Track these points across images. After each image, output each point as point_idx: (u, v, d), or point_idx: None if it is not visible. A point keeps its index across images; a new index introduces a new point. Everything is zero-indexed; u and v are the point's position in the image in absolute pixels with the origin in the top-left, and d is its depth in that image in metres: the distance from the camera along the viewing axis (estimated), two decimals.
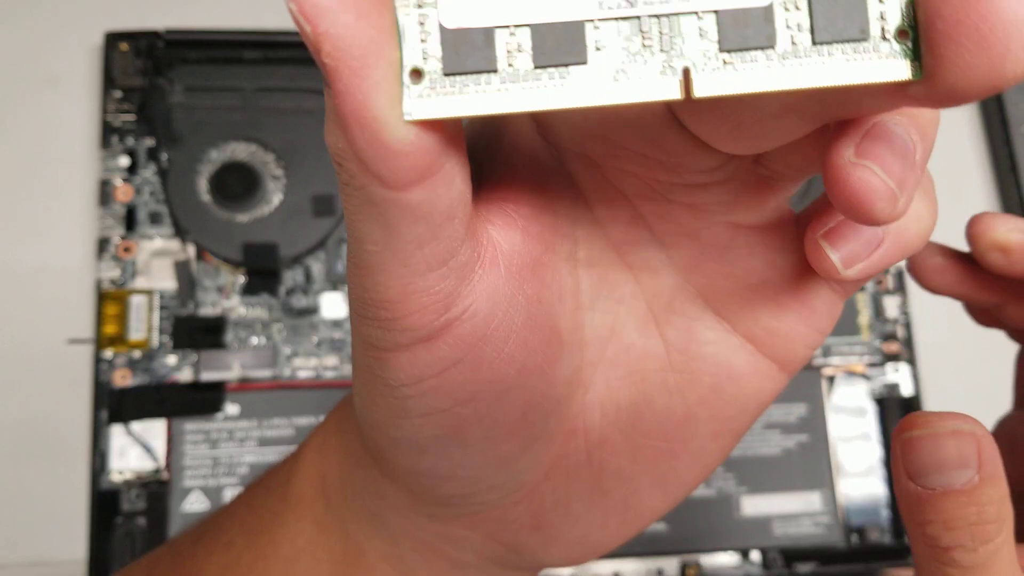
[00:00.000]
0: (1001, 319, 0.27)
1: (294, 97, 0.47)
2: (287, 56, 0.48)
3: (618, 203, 0.19)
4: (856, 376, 0.48)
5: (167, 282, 0.45)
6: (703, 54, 0.13)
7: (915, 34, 0.13)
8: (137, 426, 0.43)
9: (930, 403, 0.48)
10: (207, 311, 0.45)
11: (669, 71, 0.13)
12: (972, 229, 0.27)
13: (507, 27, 0.13)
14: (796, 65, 0.13)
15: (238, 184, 0.46)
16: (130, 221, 0.46)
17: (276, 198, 0.46)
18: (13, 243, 0.46)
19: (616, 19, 0.13)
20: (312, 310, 0.46)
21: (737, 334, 0.20)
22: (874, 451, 0.47)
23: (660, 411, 0.20)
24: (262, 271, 0.46)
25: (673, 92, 0.13)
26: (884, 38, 0.13)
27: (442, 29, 0.13)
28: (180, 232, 0.46)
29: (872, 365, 0.48)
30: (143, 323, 0.44)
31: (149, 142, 0.46)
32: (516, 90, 0.13)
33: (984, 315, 0.27)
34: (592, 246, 0.19)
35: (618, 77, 0.13)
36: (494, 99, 0.13)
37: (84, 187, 0.47)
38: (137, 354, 0.44)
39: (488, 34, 0.13)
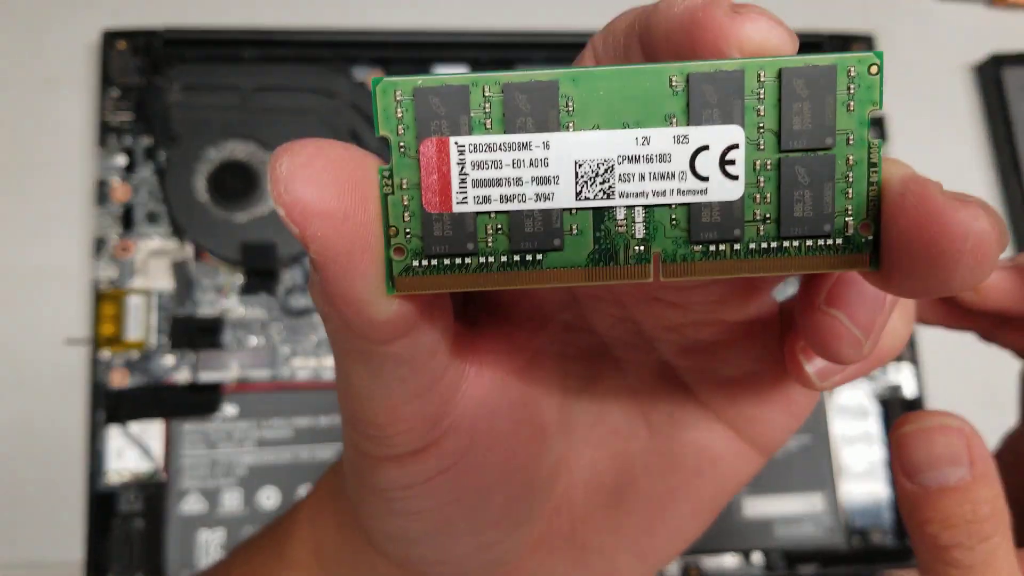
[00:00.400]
0: (997, 340, 0.28)
1: (293, 96, 0.47)
2: (286, 55, 0.48)
3: (604, 299, 0.19)
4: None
5: (165, 282, 0.45)
6: (673, 242, 0.14)
7: (877, 227, 0.14)
8: (134, 427, 0.43)
9: (933, 404, 0.48)
10: (205, 311, 0.45)
11: (641, 257, 0.14)
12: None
13: (487, 212, 0.14)
14: (762, 254, 0.14)
15: (236, 183, 0.46)
16: (127, 220, 0.45)
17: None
18: (10, 243, 0.46)
19: (593, 208, 0.14)
20: (311, 310, 0.46)
21: (719, 421, 0.20)
22: (876, 452, 0.47)
23: (643, 491, 0.21)
24: (260, 271, 0.45)
25: (644, 276, 0.14)
26: (847, 232, 0.14)
27: (423, 212, 0.14)
28: (178, 232, 0.45)
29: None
30: (140, 323, 0.44)
31: (147, 141, 0.46)
32: (494, 269, 0.14)
33: (986, 334, 0.28)
34: (581, 342, 0.20)
35: (592, 260, 0.14)
36: (472, 279, 0.14)
37: (81, 186, 0.47)
38: (135, 354, 0.44)
39: (468, 218, 0.14)
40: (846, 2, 0.55)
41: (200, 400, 0.44)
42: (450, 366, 0.17)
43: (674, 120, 0.14)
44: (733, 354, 0.19)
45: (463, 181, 0.14)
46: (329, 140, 0.14)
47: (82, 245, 0.46)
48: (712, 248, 0.14)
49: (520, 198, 0.14)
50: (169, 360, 0.44)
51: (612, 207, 0.14)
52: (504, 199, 0.14)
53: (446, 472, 0.18)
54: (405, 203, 0.14)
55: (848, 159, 0.14)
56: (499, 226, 0.14)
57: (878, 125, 0.51)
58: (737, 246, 0.14)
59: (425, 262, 0.14)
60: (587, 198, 0.14)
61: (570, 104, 0.14)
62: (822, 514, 0.46)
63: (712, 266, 0.14)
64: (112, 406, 0.43)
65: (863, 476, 0.47)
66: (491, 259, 0.14)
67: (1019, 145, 0.52)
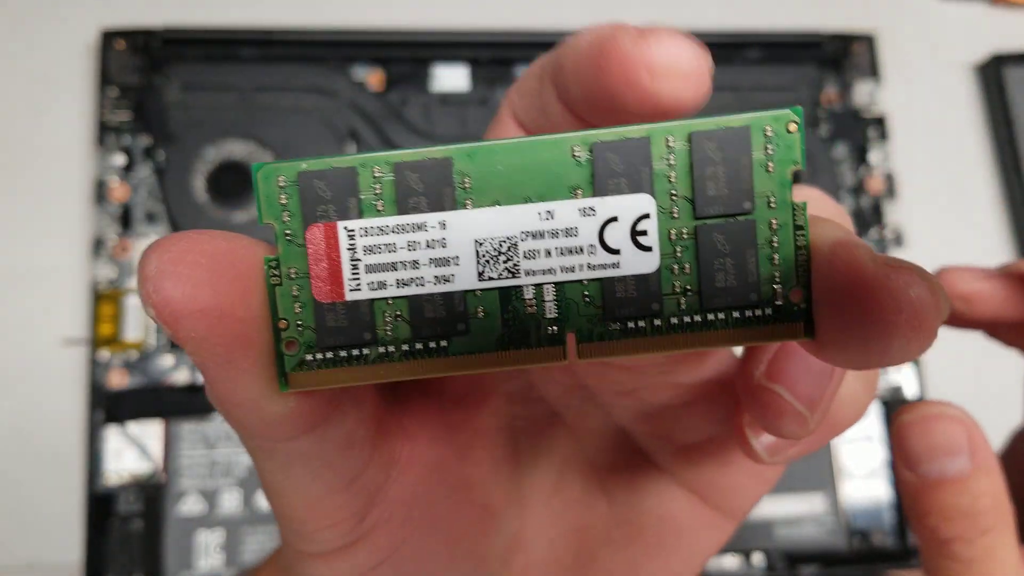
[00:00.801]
0: (1003, 339, 0.27)
1: (292, 95, 0.47)
2: (285, 54, 0.47)
3: (554, 369, 0.18)
4: None
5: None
6: (588, 320, 0.13)
7: (809, 293, 0.13)
8: (133, 427, 0.43)
9: None
10: None
11: (554, 338, 0.13)
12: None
13: (384, 299, 0.13)
14: (685, 328, 0.13)
15: (235, 183, 0.46)
16: (126, 220, 0.45)
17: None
18: (8, 242, 0.46)
19: (498, 288, 0.13)
20: None
21: (682, 488, 0.19)
22: (877, 453, 0.47)
23: (604, 566, 0.20)
24: None
25: (559, 358, 0.13)
26: (776, 300, 0.13)
27: (315, 302, 0.13)
28: (177, 231, 0.45)
29: None
30: (139, 323, 0.44)
31: (145, 141, 0.46)
32: (397, 358, 0.13)
33: (991, 332, 0.28)
34: (529, 409, 0.19)
35: (501, 343, 0.13)
36: (373, 370, 0.13)
37: (79, 186, 0.47)
38: (133, 355, 0.44)
39: (364, 306, 0.13)
40: (848, 1, 0.55)
41: (199, 401, 0.43)
42: (375, 455, 0.16)
43: (579, 192, 0.13)
44: (692, 418, 0.18)
45: (355, 267, 0.13)
46: (208, 232, 0.13)
47: (80, 245, 0.46)
48: (631, 324, 0.13)
49: (418, 282, 0.13)
50: (168, 360, 0.44)
51: (519, 286, 0.13)
52: (401, 283, 0.13)
53: (381, 565, 0.17)
54: (295, 293, 0.13)
55: (771, 223, 0.13)
56: (399, 312, 0.13)
57: (879, 125, 0.51)
58: (657, 321, 0.13)
59: (320, 355, 0.13)
60: (491, 278, 0.13)
61: (467, 181, 0.13)
62: (823, 515, 0.45)
63: (632, 344, 0.13)
64: (111, 406, 0.43)
65: (864, 477, 0.46)
66: (392, 348, 0.13)
67: (1020, 145, 0.52)
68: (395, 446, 0.16)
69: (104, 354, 0.44)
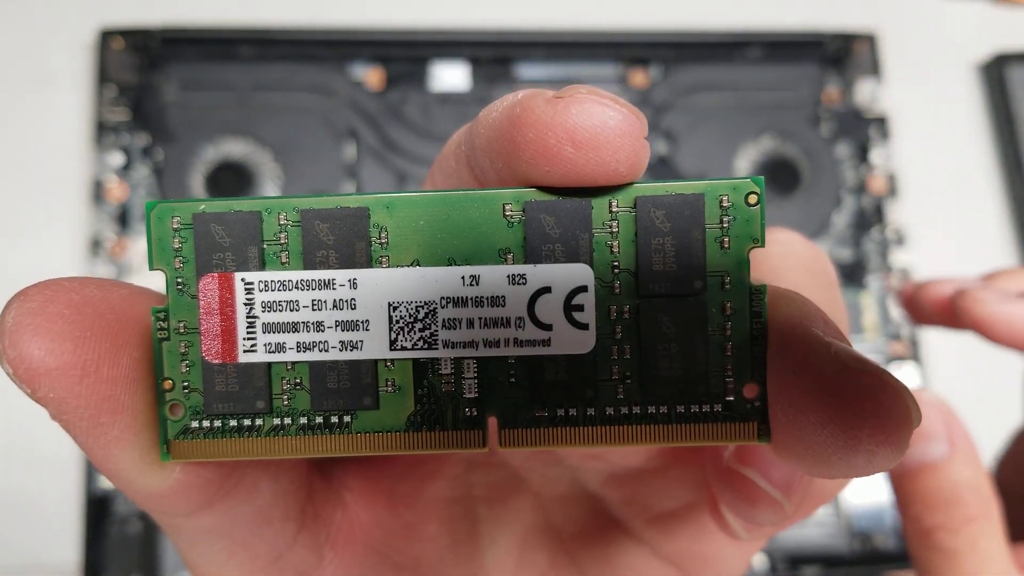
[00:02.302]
0: None
1: (290, 94, 0.47)
2: (283, 53, 0.47)
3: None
4: None
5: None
6: (513, 404, 0.12)
7: (764, 389, 0.11)
8: None
9: None
10: None
11: (473, 421, 0.12)
12: (918, 297, 0.26)
13: (284, 363, 0.12)
14: (623, 421, 0.12)
15: (233, 182, 0.45)
16: (124, 220, 0.45)
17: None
18: (5, 242, 0.46)
19: (412, 360, 0.12)
20: None
21: (660, 560, 0.17)
22: None
23: None
24: None
25: (477, 444, 0.12)
26: (727, 396, 0.11)
27: (203, 362, 0.11)
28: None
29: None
30: None
31: (143, 140, 0.46)
32: (293, 432, 0.12)
33: None
34: (489, 477, 0.17)
35: (413, 423, 0.12)
36: (267, 443, 0.12)
37: (77, 185, 0.46)
38: None
39: (259, 370, 0.12)
40: (850, 0, 0.54)
41: None
42: (303, 534, 0.14)
43: (510, 256, 0.12)
44: (666, 483, 0.17)
45: (251, 325, 0.11)
46: (81, 279, 0.11)
47: (78, 245, 0.46)
48: (560, 412, 0.12)
49: (321, 346, 0.12)
50: None
51: (436, 359, 0.12)
52: (302, 347, 0.12)
53: None
54: (183, 351, 0.12)
55: (725, 307, 0.12)
56: (298, 380, 0.12)
57: (880, 125, 0.50)
58: (591, 410, 0.12)
59: (207, 423, 0.12)
60: (404, 348, 0.11)
61: (384, 235, 0.11)
62: (825, 517, 0.45)
63: (562, 433, 0.12)
64: None
65: (865, 479, 0.46)
66: (288, 420, 0.12)
67: (1023, 144, 0.51)
68: (330, 523, 0.15)
69: None
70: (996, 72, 0.53)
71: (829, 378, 0.10)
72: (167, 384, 0.12)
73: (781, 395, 0.11)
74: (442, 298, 0.12)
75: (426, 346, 0.12)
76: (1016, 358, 0.28)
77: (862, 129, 0.50)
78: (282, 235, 0.12)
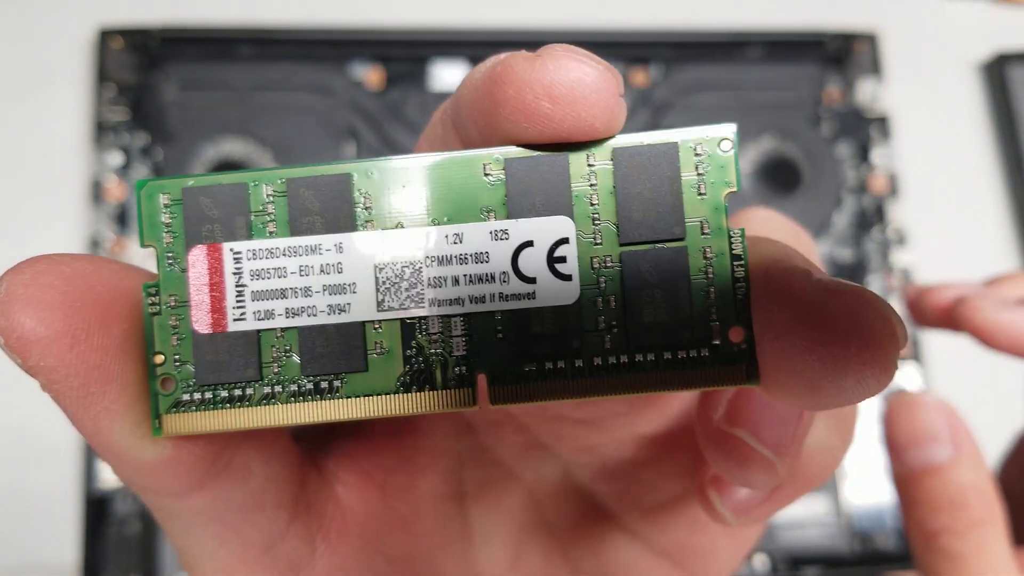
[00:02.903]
0: None
1: (290, 94, 0.47)
2: (283, 52, 0.47)
3: (505, 424, 0.17)
4: None
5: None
6: (501, 359, 0.12)
7: (751, 331, 0.11)
8: None
9: None
10: None
11: (463, 379, 0.12)
12: (920, 301, 0.25)
13: (273, 330, 0.12)
14: (611, 371, 0.12)
15: None
16: (123, 220, 0.45)
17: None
18: (4, 242, 0.46)
19: (400, 320, 0.12)
20: None
21: (654, 554, 0.17)
22: (880, 455, 0.47)
23: None
24: None
25: (468, 403, 0.12)
26: (713, 340, 0.11)
27: (194, 334, 0.12)
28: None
29: None
30: None
31: (143, 139, 0.46)
32: (284, 399, 0.12)
33: None
34: (481, 473, 0.17)
35: (403, 385, 0.12)
36: (258, 412, 0.12)
37: (76, 185, 0.46)
38: None
39: (249, 338, 0.12)
40: (851, 0, 0.54)
41: None
42: (296, 523, 0.14)
43: (492, 214, 0.12)
44: (658, 474, 0.17)
45: (240, 294, 0.12)
46: (72, 254, 0.11)
47: (77, 245, 0.45)
48: (549, 365, 0.12)
49: (310, 311, 0.12)
50: None
51: (423, 318, 0.12)
52: (291, 313, 0.12)
53: None
54: (174, 324, 0.12)
55: (705, 251, 0.12)
56: (288, 347, 0.12)
57: (881, 124, 0.50)
58: (579, 362, 0.12)
59: (198, 394, 0.12)
60: (391, 308, 0.12)
61: (368, 200, 0.12)
62: (825, 517, 0.45)
63: (551, 387, 0.12)
64: None
65: (866, 479, 0.46)
66: (279, 388, 0.12)
67: None
68: (322, 514, 0.15)
69: None
70: (997, 72, 0.53)
71: (812, 304, 0.10)
72: (158, 359, 0.12)
73: (767, 329, 0.11)
74: (427, 257, 0.12)
75: (413, 305, 0.12)
76: (1018, 361, 0.28)
77: (863, 129, 0.50)
78: (269, 205, 0.12)
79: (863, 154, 0.50)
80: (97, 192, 0.45)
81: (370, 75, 0.48)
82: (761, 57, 0.50)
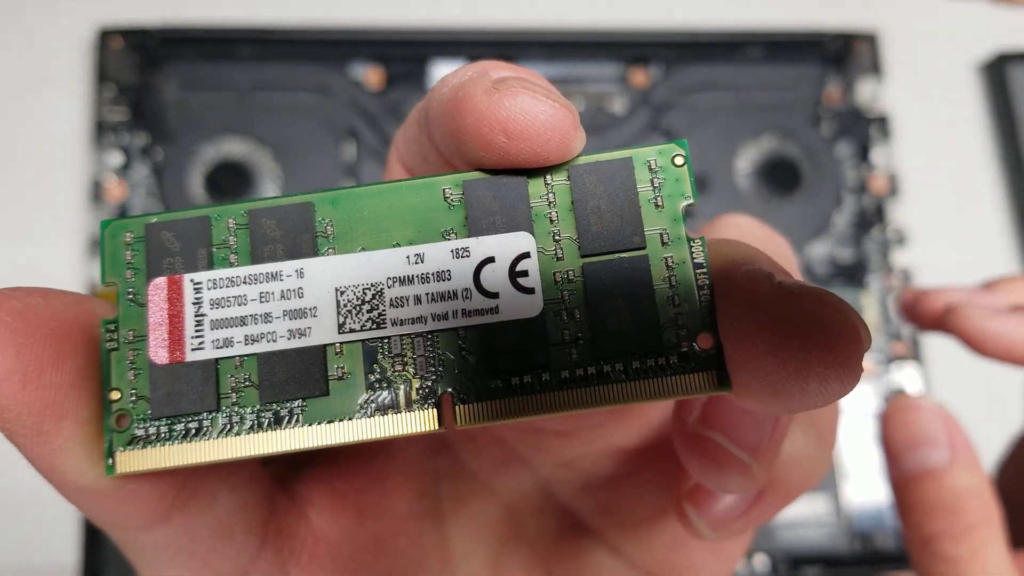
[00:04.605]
0: None
1: (290, 94, 0.46)
2: (283, 52, 0.47)
3: (482, 438, 0.17)
4: (862, 377, 0.47)
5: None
6: (466, 377, 0.11)
7: (718, 340, 0.11)
8: None
9: None
10: None
11: (427, 399, 0.11)
12: (915, 305, 0.25)
13: (232, 358, 0.11)
14: (579, 383, 0.11)
15: (233, 181, 0.45)
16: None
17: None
18: (3, 242, 0.46)
19: (361, 341, 0.11)
20: None
21: (635, 569, 0.17)
22: (879, 456, 0.47)
23: None
24: None
25: (431, 424, 0.11)
26: (681, 347, 0.11)
27: (150, 365, 0.11)
28: None
29: (879, 364, 0.48)
30: None
31: (143, 139, 0.46)
32: (243, 430, 0.11)
33: None
34: (458, 488, 0.17)
35: (366, 409, 0.11)
36: (216, 445, 0.11)
37: (76, 185, 0.46)
38: None
39: (207, 368, 0.11)
40: (851, 0, 0.54)
41: None
42: (266, 549, 0.14)
43: (453, 235, 0.12)
44: (638, 489, 0.17)
45: (199, 324, 0.11)
46: (26, 288, 0.11)
47: (77, 244, 0.45)
48: (515, 380, 0.11)
49: (269, 337, 0.11)
50: None
51: (385, 338, 0.11)
52: (250, 340, 0.11)
53: None
54: (131, 359, 0.11)
55: (667, 261, 0.12)
56: (247, 375, 0.11)
57: (881, 124, 0.50)
58: (546, 375, 0.11)
59: (154, 429, 0.11)
60: (352, 330, 0.11)
61: (329, 229, 0.12)
62: (825, 517, 0.45)
63: (519, 403, 0.11)
64: None
65: (866, 479, 0.46)
66: (237, 418, 0.11)
67: None
68: (293, 538, 0.15)
69: None
70: (997, 72, 0.53)
71: (773, 307, 0.10)
72: (114, 395, 0.11)
73: (730, 332, 0.11)
74: (388, 278, 0.12)
75: (374, 326, 0.12)
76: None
77: (863, 129, 0.50)
78: (231, 238, 0.12)
79: (863, 154, 0.50)
80: (97, 192, 0.45)
81: (370, 75, 0.48)
82: (761, 57, 0.50)
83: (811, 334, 0.10)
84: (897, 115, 0.51)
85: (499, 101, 0.11)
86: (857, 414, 0.47)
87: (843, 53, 0.51)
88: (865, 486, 0.46)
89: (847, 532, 0.45)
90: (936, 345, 0.48)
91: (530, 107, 0.11)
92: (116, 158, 0.45)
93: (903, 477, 0.18)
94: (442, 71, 0.48)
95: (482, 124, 0.11)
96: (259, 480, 0.14)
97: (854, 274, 0.49)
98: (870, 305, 0.48)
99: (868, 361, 0.48)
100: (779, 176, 0.49)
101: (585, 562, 0.17)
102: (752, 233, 0.15)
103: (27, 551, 0.43)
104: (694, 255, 0.12)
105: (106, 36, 0.46)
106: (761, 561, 0.45)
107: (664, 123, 0.49)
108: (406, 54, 0.48)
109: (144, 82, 0.46)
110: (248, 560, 0.14)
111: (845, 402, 0.47)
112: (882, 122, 0.50)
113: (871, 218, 0.49)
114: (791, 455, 0.15)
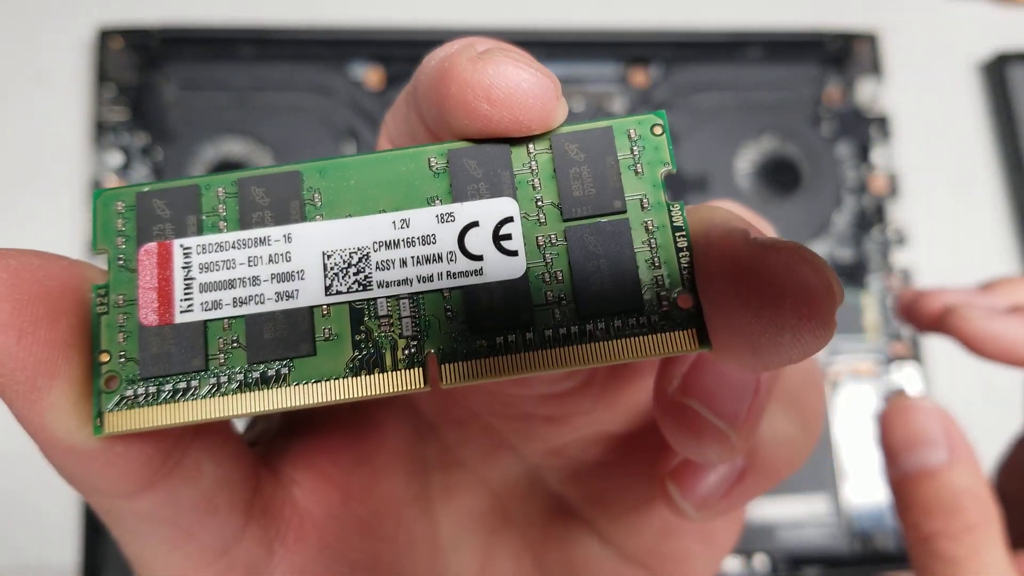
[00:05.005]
0: None
1: (290, 94, 0.47)
2: (282, 52, 0.47)
3: (470, 424, 0.17)
4: (862, 377, 0.47)
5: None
6: (451, 337, 0.12)
7: (698, 298, 0.12)
8: None
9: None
10: None
11: (413, 360, 0.12)
12: (914, 307, 0.26)
13: (219, 319, 0.12)
14: (563, 342, 0.12)
15: None
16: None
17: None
18: (4, 241, 0.46)
19: (348, 303, 0.12)
20: None
21: (626, 560, 0.17)
22: (879, 455, 0.47)
23: None
24: None
25: (417, 383, 0.12)
26: (662, 307, 0.12)
27: (140, 327, 0.12)
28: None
29: (879, 364, 0.48)
30: None
31: (143, 139, 0.46)
32: (231, 390, 0.11)
33: None
34: (447, 476, 0.17)
35: (352, 368, 0.12)
36: (204, 404, 0.11)
37: (76, 184, 0.46)
38: None
39: (195, 328, 0.12)
40: (851, 0, 0.54)
41: None
42: (251, 526, 0.14)
43: (438, 202, 0.12)
44: (626, 477, 0.17)
45: (188, 287, 0.12)
46: (21, 249, 0.11)
47: (77, 244, 0.45)
48: (500, 339, 0.12)
49: (257, 299, 0.12)
50: None
51: (371, 299, 0.12)
52: (238, 302, 0.12)
53: None
54: (122, 322, 0.12)
55: (647, 225, 0.12)
56: (235, 338, 0.12)
57: (881, 124, 0.50)
58: (529, 334, 0.12)
59: (142, 389, 0.11)
60: (339, 292, 0.12)
61: (317, 197, 0.12)
62: (825, 517, 0.45)
63: (503, 362, 0.12)
64: None
65: (866, 479, 0.46)
66: (225, 378, 0.12)
67: None
68: (279, 518, 0.15)
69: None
70: (997, 72, 0.53)
71: (747, 261, 0.11)
72: (103, 357, 0.12)
73: (708, 290, 0.11)
74: (374, 242, 0.12)
75: (361, 288, 0.12)
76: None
77: (863, 129, 0.50)
78: (220, 206, 0.12)
79: (863, 154, 0.50)
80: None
81: (369, 75, 0.48)
82: (761, 57, 0.50)
83: (784, 286, 0.10)
84: (897, 115, 0.51)
85: (483, 68, 0.12)
86: (857, 414, 0.47)
87: (843, 53, 0.51)
88: (865, 486, 0.46)
89: (847, 532, 0.45)
90: (936, 345, 0.48)
91: (513, 74, 0.12)
92: (116, 158, 0.45)
93: (901, 477, 0.18)
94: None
95: (466, 91, 0.12)
96: (244, 457, 0.14)
97: (854, 274, 0.49)
98: (870, 305, 0.48)
99: (868, 361, 0.48)
100: (779, 176, 0.49)
101: (575, 550, 0.17)
102: (735, 212, 0.15)
103: (28, 551, 0.43)
104: (673, 219, 0.12)
105: (106, 36, 0.46)
106: (761, 561, 0.45)
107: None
108: (406, 54, 0.48)
109: (144, 82, 0.46)
110: (232, 536, 0.14)
111: (844, 402, 0.47)
112: (882, 122, 0.50)
113: (871, 218, 0.49)
114: (773, 436, 0.15)
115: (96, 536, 0.41)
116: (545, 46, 0.49)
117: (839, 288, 0.10)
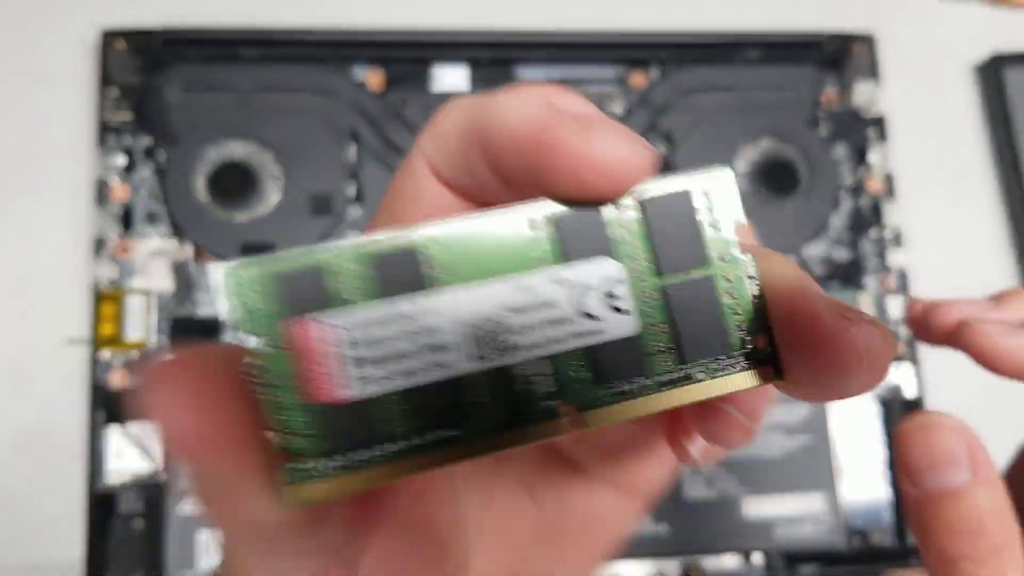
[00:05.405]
0: None
1: (292, 95, 0.47)
2: (285, 54, 0.47)
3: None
4: None
5: (164, 282, 0.45)
6: (583, 389, 0.13)
7: (771, 337, 0.14)
8: (134, 427, 0.43)
9: (933, 405, 0.48)
10: (205, 311, 0.45)
11: (554, 412, 0.13)
12: (926, 319, 0.27)
13: (379, 394, 0.13)
14: (671, 385, 0.14)
15: (236, 183, 0.46)
16: (127, 221, 0.45)
17: (274, 197, 0.46)
18: (8, 242, 0.46)
19: (495, 368, 0.13)
20: None
21: (604, 484, 0.20)
22: (877, 453, 0.47)
23: (534, 566, 0.20)
24: None
25: (560, 432, 0.13)
26: (744, 347, 0.14)
27: (307, 406, 0.12)
28: (177, 232, 0.45)
29: None
30: (140, 324, 0.44)
31: (146, 141, 0.46)
32: (402, 456, 0.13)
33: None
34: None
35: (503, 424, 0.13)
36: (381, 470, 0.13)
37: (80, 186, 0.47)
38: (134, 355, 0.44)
39: (360, 405, 0.12)
40: (848, 2, 0.55)
41: None
42: (350, 525, 0.15)
43: (548, 264, 0.13)
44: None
45: (343, 364, 0.12)
46: (188, 349, 0.12)
47: (82, 245, 0.46)
48: (623, 388, 0.14)
49: (411, 372, 0.13)
50: None
51: (513, 364, 0.13)
52: (395, 375, 0.13)
53: None
54: (280, 401, 0.12)
55: (727, 277, 0.14)
56: (397, 407, 0.13)
57: (878, 125, 0.51)
58: (647, 381, 0.14)
59: (322, 463, 0.12)
60: (484, 358, 0.13)
61: (435, 267, 0.13)
62: (822, 514, 0.46)
63: (627, 407, 0.14)
64: (112, 406, 0.43)
65: (863, 476, 0.47)
66: (395, 446, 0.13)
67: (1020, 145, 0.52)
68: (366, 517, 0.16)
69: (105, 354, 0.44)
70: (993, 73, 0.53)
71: (829, 329, 0.13)
72: (273, 435, 0.12)
73: (789, 343, 0.14)
74: (505, 309, 0.13)
75: (503, 354, 0.13)
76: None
77: (860, 130, 0.51)
78: (354, 281, 0.13)
79: (860, 155, 0.50)
80: (101, 193, 0.45)
81: (371, 77, 0.48)
82: (759, 59, 0.51)
83: (863, 353, 0.13)
84: (894, 116, 0.51)
85: (592, 142, 0.13)
86: (853, 413, 0.48)
87: (840, 55, 0.51)
88: (862, 483, 0.47)
89: (844, 529, 0.46)
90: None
91: (624, 149, 0.13)
92: (120, 160, 0.46)
93: (923, 497, 0.18)
94: (442, 73, 0.49)
95: (575, 162, 0.13)
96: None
97: (850, 275, 0.49)
98: (866, 306, 0.49)
99: None
100: (776, 177, 0.49)
101: (564, 484, 0.19)
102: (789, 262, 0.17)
103: (33, 547, 0.43)
104: (748, 270, 0.14)
105: (109, 38, 0.46)
106: (758, 559, 0.45)
107: (663, 125, 0.49)
108: (407, 56, 0.48)
109: (147, 84, 0.46)
110: (342, 539, 0.15)
111: (841, 401, 0.47)
112: (879, 123, 0.51)
113: (868, 219, 0.50)
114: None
115: (101, 532, 0.42)
116: (545, 48, 0.49)
117: (895, 347, 0.13)
